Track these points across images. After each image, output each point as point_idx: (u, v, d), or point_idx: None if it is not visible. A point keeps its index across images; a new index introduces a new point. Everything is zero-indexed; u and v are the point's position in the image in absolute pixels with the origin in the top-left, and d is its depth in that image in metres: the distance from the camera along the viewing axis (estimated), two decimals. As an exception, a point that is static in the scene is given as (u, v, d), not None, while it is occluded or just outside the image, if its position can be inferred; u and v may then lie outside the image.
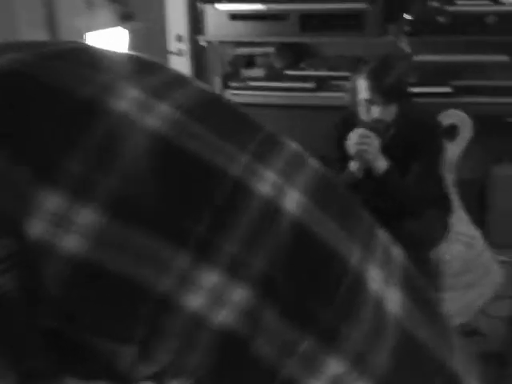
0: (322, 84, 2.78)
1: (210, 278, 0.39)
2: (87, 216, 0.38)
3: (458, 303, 2.15)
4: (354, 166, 1.96)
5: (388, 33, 2.71)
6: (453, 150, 2.38)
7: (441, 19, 2.69)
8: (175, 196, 0.40)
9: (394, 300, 0.46)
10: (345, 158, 2.00)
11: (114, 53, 0.47)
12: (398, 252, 0.50)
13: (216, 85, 2.88)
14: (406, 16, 2.68)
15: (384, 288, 0.46)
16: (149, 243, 0.39)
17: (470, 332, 2.11)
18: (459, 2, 2.67)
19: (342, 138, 2.01)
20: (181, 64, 3.16)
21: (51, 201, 0.38)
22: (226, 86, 2.86)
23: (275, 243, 0.42)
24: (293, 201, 0.43)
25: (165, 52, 3.13)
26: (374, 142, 1.87)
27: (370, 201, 2.10)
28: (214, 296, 0.40)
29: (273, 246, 0.41)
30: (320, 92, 2.76)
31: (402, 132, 2.01)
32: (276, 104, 2.81)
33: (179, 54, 3.14)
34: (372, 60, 1.91)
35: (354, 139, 1.89)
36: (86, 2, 1.88)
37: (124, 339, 0.40)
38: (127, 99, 0.40)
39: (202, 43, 2.94)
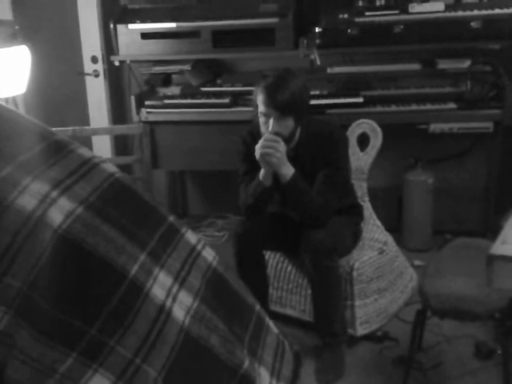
0: (236, 99, 2.88)
1: None
2: None
3: (370, 309, 2.23)
4: (261, 173, 2.04)
5: (300, 46, 2.84)
6: (364, 159, 2.50)
7: (350, 31, 2.84)
8: None
9: (183, 307, 0.47)
10: (254, 170, 2.08)
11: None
12: (209, 255, 0.52)
13: (132, 104, 2.95)
14: (317, 29, 2.82)
15: (174, 295, 0.47)
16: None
17: (380, 337, 2.19)
18: (368, 13, 2.81)
19: (249, 149, 2.09)
20: (97, 85, 3.23)
21: None
22: (141, 105, 2.93)
23: (34, 260, 0.40)
24: (61, 212, 0.42)
25: (80, 74, 3.18)
26: (280, 146, 1.95)
27: (278, 210, 2.19)
28: None
29: (31, 264, 0.40)
30: (235, 107, 2.86)
31: (305, 144, 2.11)
32: (192, 120, 2.89)
33: (95, 75, 3.20)
34: (271, 73, 2.01)
35: (259, 144, 1.97)
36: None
37: None
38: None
39: (116, 63, 3.01)
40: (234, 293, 0.53)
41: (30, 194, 0.42)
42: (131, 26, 2.95)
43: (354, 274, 2.18)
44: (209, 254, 0.54)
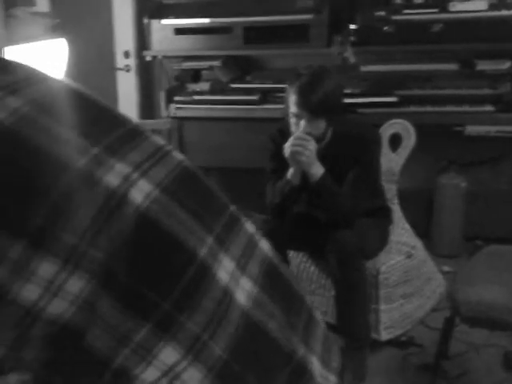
0: (266, 96, 2.88)
1: (47, 268, 0.41)
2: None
3: (395, 314, 2.20)
4: (290, 172, 2.03)
5: (334, 44, 2.83)
6: (395, 160, 2.47)
7: (387, 28, 2.81)
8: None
9: (244, 292, 0.50)
10: (282, 168, 2.08)
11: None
12: (265, 246, 0.56)
13: (161, 99, 2.98)
14: (352, 26, 2.80)
15: (236, 280, 0.50)
16: None
17: (405, 342, 2.16)
18: (405, 11, 2.78)
19: (278, 148, 2.09)
20: (127, 80, 3.28)
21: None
22: (170, 101, 2.96)
23: (117, 235, 0.44)
24: (142, 192, 0.46)
25: (113, 69, 3.24)
26: (310, 145, 1.94)
27: (304, 211, 2.19)
28: (50, 286, 0.42)
29: (114, 237, 0.44)
30: (264, 104, 2.86)
31: (336, 143, 2.09)
32: (221, 117, 2.91)
33: (126, 69, 3.25)
34: (304, 72, 1.99)
35: (290, 141, 1.96)
36: (7, 15, 1.97)
37: None
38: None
39: (148, 58, 3.05)
40: (289, 284, 0.56)
41: (115, 174, 0.45)
42: (164, 22, 2.99)
43: (381, 277, 2.16)
44: (265, 245, 0.56)
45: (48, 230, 0.42)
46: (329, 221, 2.08)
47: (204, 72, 3.11)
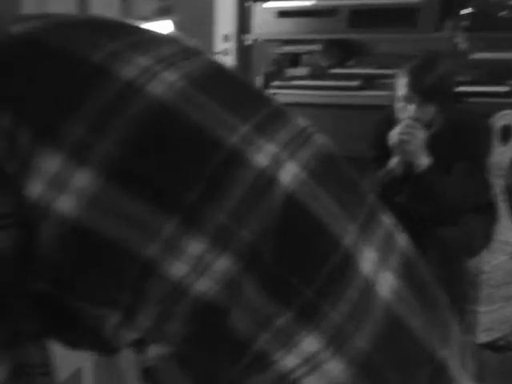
0: (368, 82, 2.80)
1: (196, 246, 0.41)
2: (83, 178, 0.40)
3: (495, 316, 2.09)
4: (393, 160, 1.96)
5: (444, 28, 2.69)
6: (504, 154, 2.33)
7: (503, 14, 2.64)
8: (170, 163, 0.42)
9: (386, 284, 0.48)
10: (385, 157, 2.02)
11: (128, 24, 0.52)
12: (402, 240, 0.54)
13: (258, 84, 2.99)
14: (465, 10, 2.66)
15: (378, 271, 0.48)
16: (139, 208, 0.41)
17: (503, 347, 2.05)
18: (524, -4, 2.60)
19: (381, 136, 2.03)
20: (225, 63, 3.31)
21: (50, 163, 0.40)
22: (268, 86, 2.96)
23: (265, 215, 0.43)
24: (290, 174, 0.45)
25: (210, 52, 3.29)
26: (419, 134, 1.87)
27: (405, 203, 2.11)
28: (198, 265, 0.41)
29: (263, 218, 0.43)
30: (366, 91, 2.78)
31: (444, 134, 2.00)
32: (320, 103, 2.87)
33: (224, 53, 3.28)
34: (420, 57, 1.93)
35: (397, 129, 1.90)
36: (122, -3, 2.04)
37: (110, 304, 0.43)
38: (134, 66, 0.43)
39: (248, 42, 3.06)
40: (427, 281, 0.54)
41: (264, 154, 0.44)
42: (267, 4, 2.98)
43: (483, 277, 2.06)
44: (402, 239, 0.54)
45: (200, 207, 0.42)
46: (431, 215, 2.00)
47: (303, 57, 3.08)
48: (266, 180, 0.43)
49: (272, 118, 0.48)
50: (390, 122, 2.02)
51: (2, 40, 0.44)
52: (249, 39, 3.06)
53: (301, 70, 3.01)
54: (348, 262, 0.46)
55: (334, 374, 0.44)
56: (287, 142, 0.47)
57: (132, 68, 0.44)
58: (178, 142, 0.43)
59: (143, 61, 0.44)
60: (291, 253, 0.44)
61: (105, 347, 0.49)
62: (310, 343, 0.43)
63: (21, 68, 0.43)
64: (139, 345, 0.45)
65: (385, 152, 1.99)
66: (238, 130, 0.44)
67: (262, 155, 0.44)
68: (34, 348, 0.45)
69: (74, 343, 0.50)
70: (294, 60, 3.08)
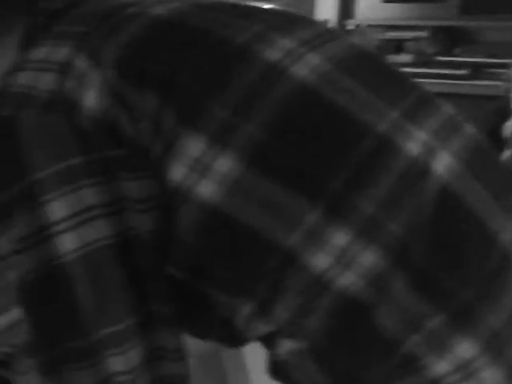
0: (477, 72, 2.70)
1: (341, 238, 0.39)
2: (225, 163, 0.40)
3: None
4: (507, 153, 1.89)
5: None
6: None
7: None
8: (313, 148, 0.41)
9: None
10: (497, 150, 1.95)
11: (265, 7, 0.53)
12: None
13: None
14: None
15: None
16: (281, 195, 0.40)
17: None
18: None
19: (494, 127, 1.96)
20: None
21: (194, 146, 0.40)
22: (370, 71, 2.91)
23: (417, 208, 0.40)
24: (443, 164, 0.42)
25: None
26: None
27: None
28: (342, 257, 0.39)
29: (414, 211, 0.40)
30: (475, 80, 2.68)
31: None
32: (423, 92, 2.79)
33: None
34: None
35: None
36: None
37: (246, 293, 0.42)
38: (278, 48, 0.43)
39: (350, 27, 3.02)
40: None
41: (415, 141, 0.42)
42: (372, -11, 2.93)
43: None
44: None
45: (345, 196, 0.40)
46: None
47: (407, 43, 3.00)
48: (419, 169, 0.41)
49: (420, 103, 0.46)
50: (503, 113, 1.94)
51: (147, 21, 0.44)
52: (351, 24, 3.01)
53: (404, 57, 2.93)
54: (510, 265, 0.42)
55: (492, 381, 0.42)
56: (438, 130, 0.44)
57: (276, 50, 0.43)
58: (323, 127, 0.42)
59: (287, 43, 0.43)
60: (445, 253, 0.41)
61: (233, 339, 0.47)
62: (464, 349, 0.40)
63: (166, 49, 0.43)
64: (271, 338, 0.43)
65: (497, 145, 1.91)
66: (387, 116, 0.42)
67: (414, 143, 0.41)
68: (167, 333, 0.44)
69: (203, 333, 0.49)
70: (398, 46, 3.00)
